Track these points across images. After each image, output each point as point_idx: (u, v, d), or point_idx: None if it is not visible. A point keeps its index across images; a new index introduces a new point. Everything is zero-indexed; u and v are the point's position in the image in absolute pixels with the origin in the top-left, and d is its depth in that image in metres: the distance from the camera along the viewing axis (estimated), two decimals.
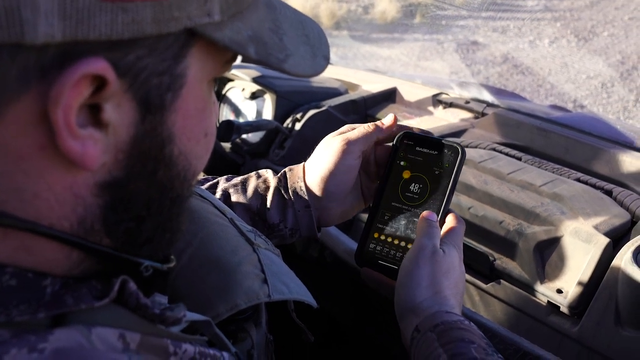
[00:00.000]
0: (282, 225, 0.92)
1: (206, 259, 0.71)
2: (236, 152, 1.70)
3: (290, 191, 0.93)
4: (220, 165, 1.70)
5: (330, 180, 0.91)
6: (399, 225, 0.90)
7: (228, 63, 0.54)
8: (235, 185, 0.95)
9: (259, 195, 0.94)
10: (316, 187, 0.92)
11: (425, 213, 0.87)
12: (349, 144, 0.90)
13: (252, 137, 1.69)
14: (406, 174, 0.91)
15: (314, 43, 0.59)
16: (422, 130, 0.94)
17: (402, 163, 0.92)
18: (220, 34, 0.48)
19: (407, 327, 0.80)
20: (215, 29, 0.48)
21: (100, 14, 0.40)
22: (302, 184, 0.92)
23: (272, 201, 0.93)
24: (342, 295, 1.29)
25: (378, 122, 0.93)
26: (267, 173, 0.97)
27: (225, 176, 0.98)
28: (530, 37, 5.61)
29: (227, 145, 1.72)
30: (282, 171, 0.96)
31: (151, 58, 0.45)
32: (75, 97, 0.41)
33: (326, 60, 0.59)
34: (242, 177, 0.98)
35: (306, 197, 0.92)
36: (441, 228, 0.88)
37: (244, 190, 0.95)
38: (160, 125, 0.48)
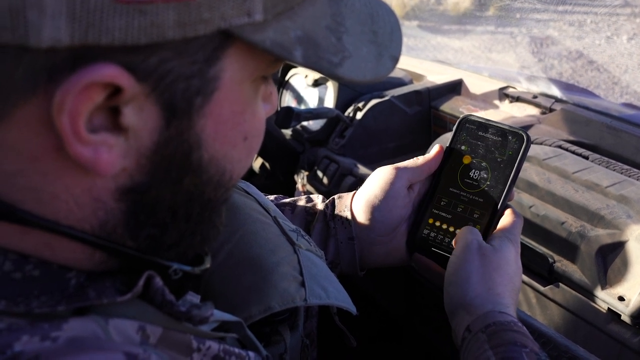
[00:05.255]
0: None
1: (244, 257, 0.69)
2: (296, 139, 1.69)
3: (335, 219, 0.90)
4: (280, 152, 1.69)
5: (376, 206, 0.87)
6: (456, 212, 0.87)
7: (277, 61, 0.49)
8: (283, 205, 0.93)
9: (304, 220, 0.91)
10: (362, 215, 0.88)
11: None
12: (398, 170, 0.88)
13: (313, 124, 1.67)
14: (466, 159, 0.88)
15: (382, 41, 0.53)
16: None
17: (462, 147, 0.88)
18: (260, 35, 0.43)
19: (458, 325, 0.77)
20: (255, 30, 0.43)
21: (114, 16, 0.37)
22: (349, 214, 0.89)
23: (314, 227, 0.90)
24: (397, 291, 1.27)
25: (426, 155, 0.89)
26: (317, 198, 0.95)
27: (275, 195, 0.96)
28: (607, 32, 5.43)
29: (287, 132, 1.71)
30: (332, 198, 0.93)
31: (177, 61, 0.41)
32: (84, 103, 0.39)
33: (394, 61, 0.53)
34: (292, 198, 0.95)
35: (351, 229, 0.88)
36: (499, 218, 0.85)
37: (292, 212, 0.93)
38: (188, 131, 0.45)
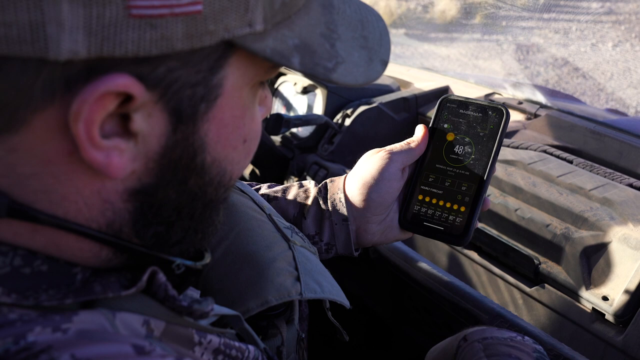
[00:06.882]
0: (318, 238, 0.90)
1: (240, 254, 0.71)
2: (286, 146, 1.71)
3: (329, 202, 0.91)
4: (269, 158, 1.70)
5: (373, 187, 0.88)
6: (444, 186, 0.90)
7: (274, 68, 0.51)
8: (276, 192, 0.95)
9: (298, 204, 0.93)
10: (357, 197, 0.89)
11: None
12: (392, 154, 0.89)
13: (302, 131, 1.69)
14: (450, 136, 0.91)
15: (372, 46, 0.56)
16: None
17: (445, 125, 0.92)
18: (261, 44, 0.46)
19: (454, 339, 0.79)
20: (256, 39, 0.45)
21: (127, 30, 0.39)
22: (342, 195, 0.90)
23: (309, 211, 0.92)
24: (384, 293, 1.28)
25: (415, 138, 0.91)
26: (309, 183, 0.96)
27: (267, 183, 0.98)
28: (592, 40, 5.48)
29: (277, 139, 1.73)
30: (324, 182, 0.95)
31: (184, 70, 0.43)
32: (98, 112, 0.41)
33: (383, 65, 0.56)
34: (284, 185, 0.97)
35: (345, 210, 0.90)
36: (486, 189, 0.88)
37: (284, 197, 0.94)
38: (192, 135, 0.47)
